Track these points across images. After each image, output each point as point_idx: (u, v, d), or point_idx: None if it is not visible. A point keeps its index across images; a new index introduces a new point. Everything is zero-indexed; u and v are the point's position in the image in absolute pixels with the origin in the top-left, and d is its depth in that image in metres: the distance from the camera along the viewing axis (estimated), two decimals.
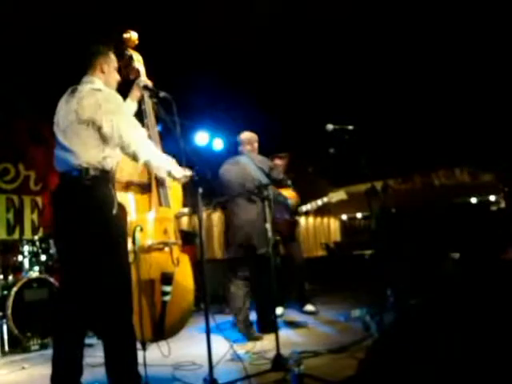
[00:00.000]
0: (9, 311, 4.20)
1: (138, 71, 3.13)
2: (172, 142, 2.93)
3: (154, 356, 3.00)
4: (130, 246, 2.70)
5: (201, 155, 5.92)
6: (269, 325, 3.85)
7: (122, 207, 2.55)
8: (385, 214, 5.36)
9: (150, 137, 3.03)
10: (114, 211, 2.43)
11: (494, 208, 8.63)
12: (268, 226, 3.25)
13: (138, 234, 2.82)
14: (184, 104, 2.96)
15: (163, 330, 2.91)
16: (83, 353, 2.52)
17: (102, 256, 2.41)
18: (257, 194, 3.32)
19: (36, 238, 4.88)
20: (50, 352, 2.63)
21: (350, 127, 3.73)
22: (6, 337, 4.19)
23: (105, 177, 2.48)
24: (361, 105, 7.17)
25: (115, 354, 2.41)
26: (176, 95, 2.85)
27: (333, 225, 12.50)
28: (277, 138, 7.02)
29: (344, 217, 12.34)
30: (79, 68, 2.69)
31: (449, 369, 2.08)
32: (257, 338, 3.87)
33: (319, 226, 11.95)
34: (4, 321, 4.21)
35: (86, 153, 2.43)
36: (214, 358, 2.62)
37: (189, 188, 2.98)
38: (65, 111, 2.52)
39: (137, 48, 3.22)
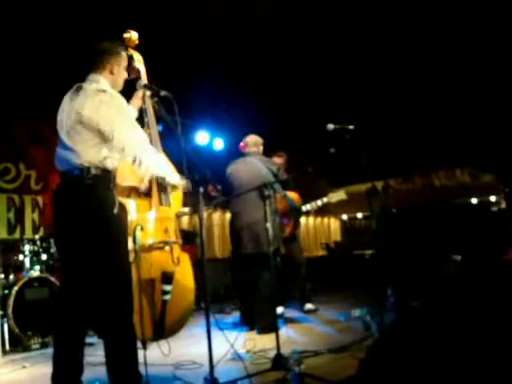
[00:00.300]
0: (10, 310, 4.20)
1: (138, 71, 3.13)
2: (173, 141, 2.93)
3: (154, 355, 3.00)
4: (130, 245, 2.71)
5: (201, 155, 5.92)
6: (269, 324, 3.86)
7: (122, 206, 2.55)
8: (385, 214, 5.37)
9: (150, 136, 3.04)
10: (115, 210, 2.43)
11: (494, 208, 8.63)
12: (268, 225, 3.25)
13: (138, 233, 2.82)
14: (184, 103, 2.96)
15: (163, 329, 2.91)
16: (84, 352, 2.52)
17: (103, 255, 2.41)
18: (264, 192, 3.34)
19: (37, 237, 4.89)
20: (50, 351, 2.63)
21: (351, 127, 3.73)
22: (6, 336, 4.19)
23: (106, 176, 2.48)
24: (362, 104, 7.18)
25: (116, 353, 2.41)
26: (176, 95, 2.85)
27: (333, 225, 12.51)
28: (277, 138, 7.03)
29: (344, 217, 12.35)
30: (80, 67, 2.67)
31: (449, 369, 2.08)
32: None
33: (319, 226, 11.96)
34: (5, 320, 4.22)
35: (87, 152, 2.43)
36: (215, 358, 2.62)
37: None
38: (68, 110, 2.51)
39: (137, 48, 3.22)
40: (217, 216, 7.92)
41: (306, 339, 3.86)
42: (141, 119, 3.04)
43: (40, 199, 6.10)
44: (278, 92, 6.74)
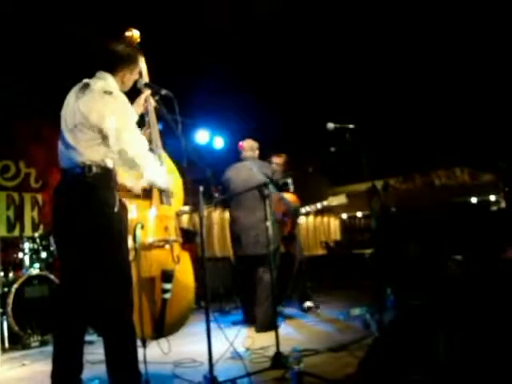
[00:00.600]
0: (9, 308, 4.21)
1: (140, 70, 3.12)
2: (173, 140, 2.93)
3: (154, 353, 3.00)
4: (130, 243, 2.71)
5: (201, 153, 5.92)
6: (269, 323, 3.87)
7: (123, 205, 2.55)
8: (385, 213, 5.37)
9: (150, 135, 3.05)
10: (116, 209, 2.43)
11: (494, 208, 8.62)
12: (269, 224, 3.27)
13: (138, 232, 2.82)
14: (185, 102, 2.95)
15: (163, 328, 2.91)
16: (83, 350, 2.52)
17: (104, 253, 2.41)
18: (264, 191, 3.38)
19: (36, 235, 4.90)
20: (50, 349, 2.64)
21: (351, 126, 3.74)
22: (6, 333, 4.20)
23: (107, 175, 2.47)
24: (362, 104, 7.18)
25: (116, 352, 2.41)
26: (177, 93, 2.85)
27: (333, 223, 12.49)
28: (277, 137, 7.03)
29: (344, 216, 12.34)
30: (80, 66, 2.66)
31: (448, 367, 2.08)
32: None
33: (319, 225, 11.95)
34: (4, 317, 4.23)
35: (89, 150, 2.43)
36: (214, 356, 2.63)
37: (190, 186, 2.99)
38: (73, 108, 2.50)
39: (139, 46, 3.21)
40: (216, 215, 7.91)
41: (306, 338, 3.87)
42: (142, 118, 3.03)
43: (40, 197, 6.10)
44: (278, 91, 6.74)
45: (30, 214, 5.99)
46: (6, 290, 4.36)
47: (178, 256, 3.06)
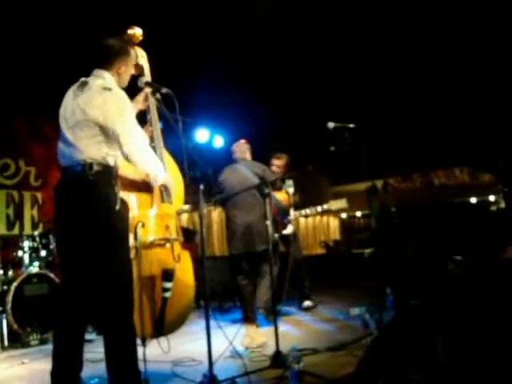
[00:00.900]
0: (9, 306, 4.21)
1: (141, 68, 3.13)
2: (173, 138, 2.93)
3: (153, 352, 3.00)
4: (131, 241, 2.71)
5: (201, 152, 5.92)
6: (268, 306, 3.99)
7: (124, 203, 2.55)
8: (385, 213, 5.37)
9: (152, 133, 3.05)
10: (117, 207, 2.43)
11: (493, 208, 8.62)
12: (268, 222, 3.28)
13: (139, 230, 2.82)
14: (185, 101, 2.95)
15: (163, 327, 2.91)
16: (83, 348, 2.52)
17: (104, 252, 2.41)
18: (264, 190, 3.41)
19: (36, 233, 4.89)
20: (49, 347, 2.64)
21: (351, 125, 3.73)
22: (5, 332, 4.20)
23: (108, 172, 2.47)
24: (362, 103, 7.18)
25: (115, 350, 2.42)
26: (177, 92, 2.85)
27: (332, 223, 12.49)
28: (277, 136, 7.03)
29: (343, 215, 12.34)
30: (82, 62, 2.66)
31: (447, 367, 2.08)
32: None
33: (319, 224, 11.94)
34: (4, 316, 4.22)
35: (89, 148, 2.43)
36: (214, 355, 2.63)
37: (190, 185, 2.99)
38: (72, 106, 2.50)
39: (141, 44, 3.22)
40: (216, 214, 7.91)
41: (305, 337, 3.88)
42: (143, 116, 3.04)
43: (39, 195, 6.10)
44: (278, 90, 6.74)
45: (29, 213, 5.99)
46: (5, 288, 4.36)
47: (178, 255, 3.06)
